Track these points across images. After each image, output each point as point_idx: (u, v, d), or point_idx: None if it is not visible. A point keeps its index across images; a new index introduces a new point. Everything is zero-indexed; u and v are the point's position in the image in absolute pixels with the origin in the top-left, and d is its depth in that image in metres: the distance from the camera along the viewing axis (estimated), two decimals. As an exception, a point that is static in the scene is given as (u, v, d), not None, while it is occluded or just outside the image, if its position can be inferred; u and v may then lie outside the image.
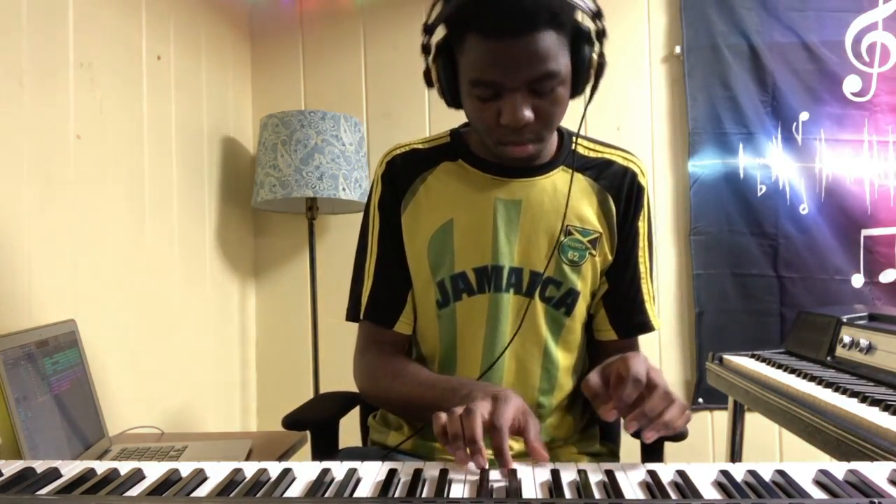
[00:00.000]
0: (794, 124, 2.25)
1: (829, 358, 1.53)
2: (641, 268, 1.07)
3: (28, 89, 1.32)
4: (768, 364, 1.60)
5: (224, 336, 2.20)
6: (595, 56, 0.94)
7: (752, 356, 1.73)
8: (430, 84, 0.98)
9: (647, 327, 1.08)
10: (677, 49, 2.28)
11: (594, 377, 0.80)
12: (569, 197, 1.02)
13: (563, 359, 1.05)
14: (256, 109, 2.42)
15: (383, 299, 1.07)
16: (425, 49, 0.95)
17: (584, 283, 1.04)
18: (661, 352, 2.31)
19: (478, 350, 1.03)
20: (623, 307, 1.07)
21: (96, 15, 1.53)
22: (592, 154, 1.07)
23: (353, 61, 2.40)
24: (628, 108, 2.31)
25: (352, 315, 1.11)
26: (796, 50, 2.24)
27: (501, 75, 0.88)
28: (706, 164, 2.27)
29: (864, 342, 1.42)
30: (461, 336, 1.05)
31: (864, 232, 2.23)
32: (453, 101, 0.97)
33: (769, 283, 2.25)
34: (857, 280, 2.23)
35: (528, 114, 0.90)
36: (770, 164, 2.26)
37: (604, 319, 1.08)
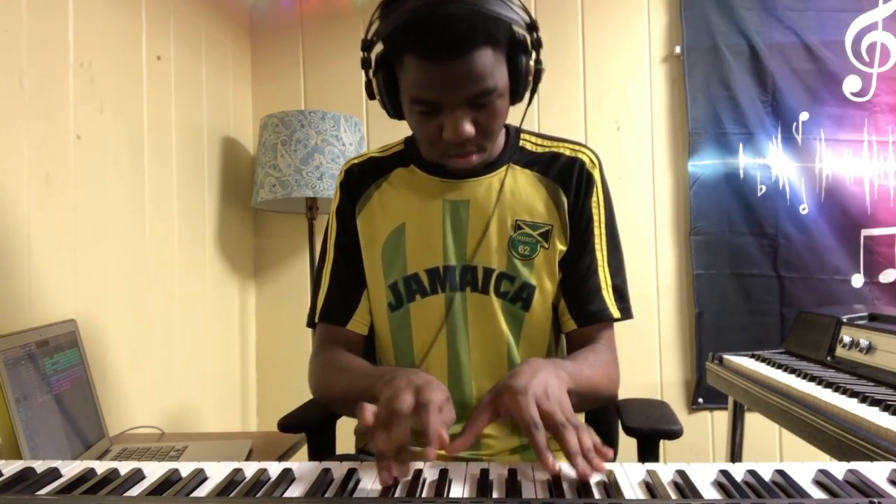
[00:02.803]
0: (794, 124, 2.25)
1: (829, 358, 1.53)
2: (598, 255, 1.07)
3: (28, 89, 1.32)
4: (768, 364, 1.60)
5: (224, 336, 2.20)
6: (532, 64, 0.96)
7: (752, 356, 1.73)
8: (371, 97, 1.00)
9: (603, 315, 1.06)
10: (677, 49, 2.28)
11: (480, 411, 0.78)
12: (500, 191, 1.04)
13: (528, 353, 1.06)
14: (256, 109, 2.42)
15: (337, 299, 1.10)
16: (365, 64, 0.97)
17: (539, 276, 1.04)
18: (661, 352, 2.30)
19: (437, 348, 1.05)
20: (579, 295, 1.07)
21: (96, 15, 1.53)
22: (540, 149, 1.09)
23: (353, 61, 2.37)
24: (628, 108, 2.31)
25: (310, 321, 1.12)
26: (796, 50, 2.24)
27: (440, 95, 0.90)
28: (706, 164, 2.27)
29: (864, 342, 1.42)
30: (416, 337, 1.06)
31: (864, 232, 2.23)
32: (395, 113, 1.00)
33: (769, 283, 2.25)
34: (857, 280, 2.23)
35: (469, 128, 0.92)
36: (770, 164, 2.26)
37: (564, 309, 1.08)
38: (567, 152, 1.08)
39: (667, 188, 2.32)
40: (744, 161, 2.26)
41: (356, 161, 1.14)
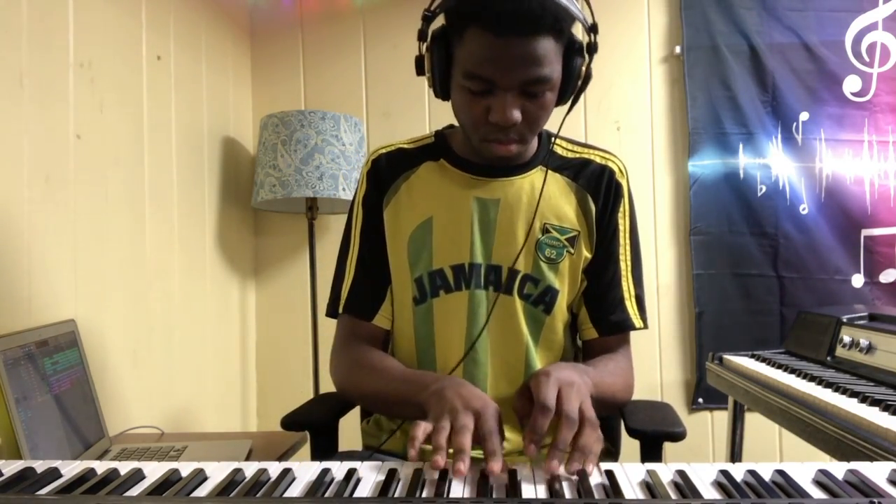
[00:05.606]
0: (794, 124, 2.25)
1: (829, 358, 1.53)
2: (622, 265, 1.07)
3: (28, 89, 1.32)
4: (768, 364, 1.60)
5: (224, 336, 2.20)
6: (584, 68, 0.96)
7: (752, 356, 1.73)
8: (420, 72, 0.99)
9: (626, 325, 1.07)
10: (677, 49, 2.28)
11: (517, 400, 0.82)
12: (541, 195, 1.03)
13: (544, 356, 1.06)
14: (256, 109, 2.42)
15: (363, 292, 1.09)
16: (422, 36, 0.96)
17: (562, 281, 1.04)
18: (661, 352, 2.30)
19: (459, 346, 1.04)
20: (602, 304, 1.07)
21: (96, 15, 1.53)
22: (571, 154, 1.09)
23: (353, 61, 2.40)
24: (628, 108, 2.31)
25: (331, 310, 1.12)
26: (796, 50, 2.24)
27: (497, 73, 0.89)
28: (706, 164, 2.27)
29: (864, 342, 1.42)
30: (439, 333, 1.06)
31: (864, 232, 2.23)
32: (442, 92, 0.98)
33: (769, 283, 2.25)
34: (857, 280, 2.23)
35: (517, 114, 0.92)
36: (770, 164, 2.26)
37: (585, 318, 1.08)
38: (597, 160, 1.08)
39: (667, 188, 2.32)
40: (744, 161, 2.26)
41: (384, 151, 1.12)
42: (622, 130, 2.31)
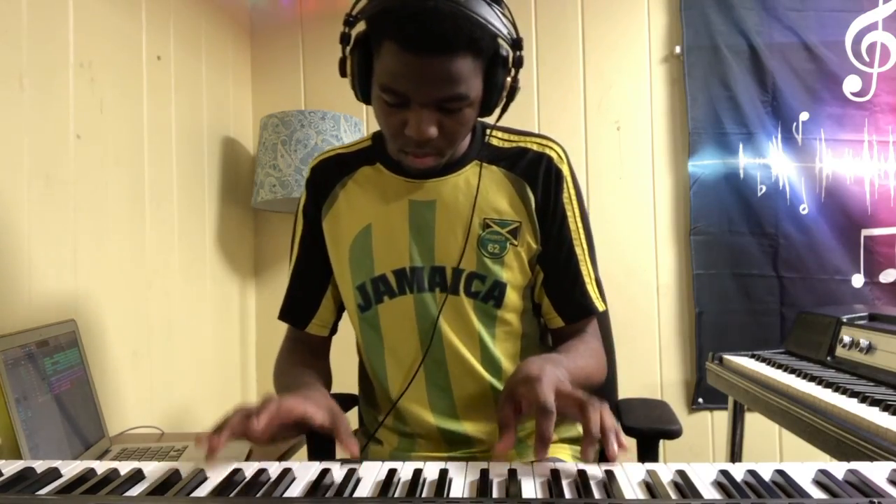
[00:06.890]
0: (794, 124, 2.25)
1: (829, 358, 1.53)
2: (577, 250, 1.06)
3: (28, 89, 1.32)
4: (768, 364, 1.60)
5: (224, 336, 2.20)
6: (509, 80, 0.94)
7: (752, 356, 1.74)
8: (343, 74, 0.98)
9: (589, 310, 1.07)
10: (677, 49, 2.28)
11: (504, 410, 0.82)
12: (478, 190, 1.02)
13: (504, 348, 1.05)
14: (256, 109, 2.42)
15: (297, 302, 1.13)
16: (343, 39, 0.95)
17: (511, 272, 1.03)
18: (661, 352, 2.30)
19: (413, 350, 1.04)
20: (563, 292, 1.06)
21: (96, 15, 1.53)
22: (507, 144, 1.07)
23: (353, 61, 2.40)
24: (628, 108, 2.31)
25: (279, 314, 1.16)
26: (796, 50, 2.24)
27: (411, 89, 0.88)
28: (706, 164, 2.27)
29: (864, 342, 1.42)
30: (388, 338, 1.06)
31: (864, 232, 2.23)
32: (363, 97, 0.97)
33: (769, 283, 2.25)
34: (857, 280, 2.23)
35: (433, 130, 0.91)
36: (770, 164, 2.26)
37: (549, 307, 1.08)
38: (534, 147, 1.06)
39: (667, 188, 2.32)
40: (744, 161, 2.26)
41: (322, 157, 1.12)
42: (622, 130, 2.31)
